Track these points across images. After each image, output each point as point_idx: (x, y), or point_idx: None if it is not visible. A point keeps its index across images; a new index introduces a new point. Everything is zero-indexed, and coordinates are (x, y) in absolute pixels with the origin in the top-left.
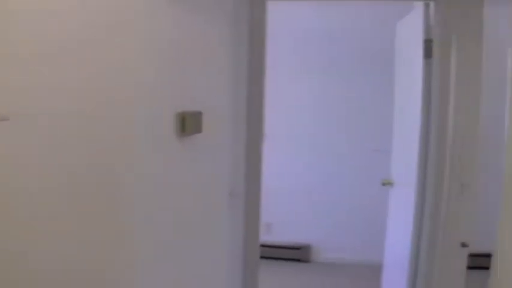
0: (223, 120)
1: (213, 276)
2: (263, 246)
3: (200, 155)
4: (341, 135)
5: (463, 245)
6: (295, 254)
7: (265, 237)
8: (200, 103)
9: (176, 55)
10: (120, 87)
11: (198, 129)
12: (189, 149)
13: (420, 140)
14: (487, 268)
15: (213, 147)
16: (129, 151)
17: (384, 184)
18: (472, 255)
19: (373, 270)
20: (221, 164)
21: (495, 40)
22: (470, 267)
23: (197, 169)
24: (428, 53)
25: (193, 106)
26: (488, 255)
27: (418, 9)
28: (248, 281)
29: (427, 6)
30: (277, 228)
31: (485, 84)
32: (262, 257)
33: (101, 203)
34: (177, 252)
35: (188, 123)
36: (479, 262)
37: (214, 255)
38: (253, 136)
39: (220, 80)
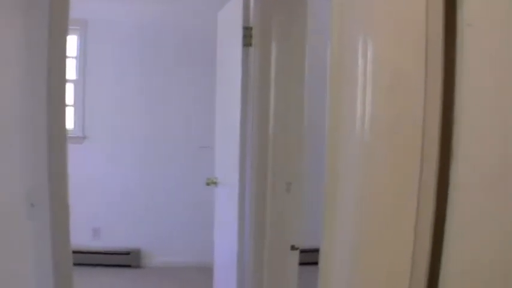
0: (10, 122)
1: None
2: (90, 253)
3: None
4: (167, 133)
5: (293, 247)
6: (125, 260)
7: (93, 243)
8: None
9: None
10: None
11: None
12: None
13: (240, 136)
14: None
15: None
16: None
17: (208, 184)
18: (304, 251)
19: (206, 273)
20: (12, 171)
21: (318, 34)
22: (302, 263)
23: None
24: (247, 41)
25: None
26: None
27: None
28: None
29: None
30: (106, 234)
31: (311, 78)
32: (90, 265)
33: None
34: None
35: None
36: (312, 258)
37: (14, 268)
38: (55, 138)
39: (4, 77)
